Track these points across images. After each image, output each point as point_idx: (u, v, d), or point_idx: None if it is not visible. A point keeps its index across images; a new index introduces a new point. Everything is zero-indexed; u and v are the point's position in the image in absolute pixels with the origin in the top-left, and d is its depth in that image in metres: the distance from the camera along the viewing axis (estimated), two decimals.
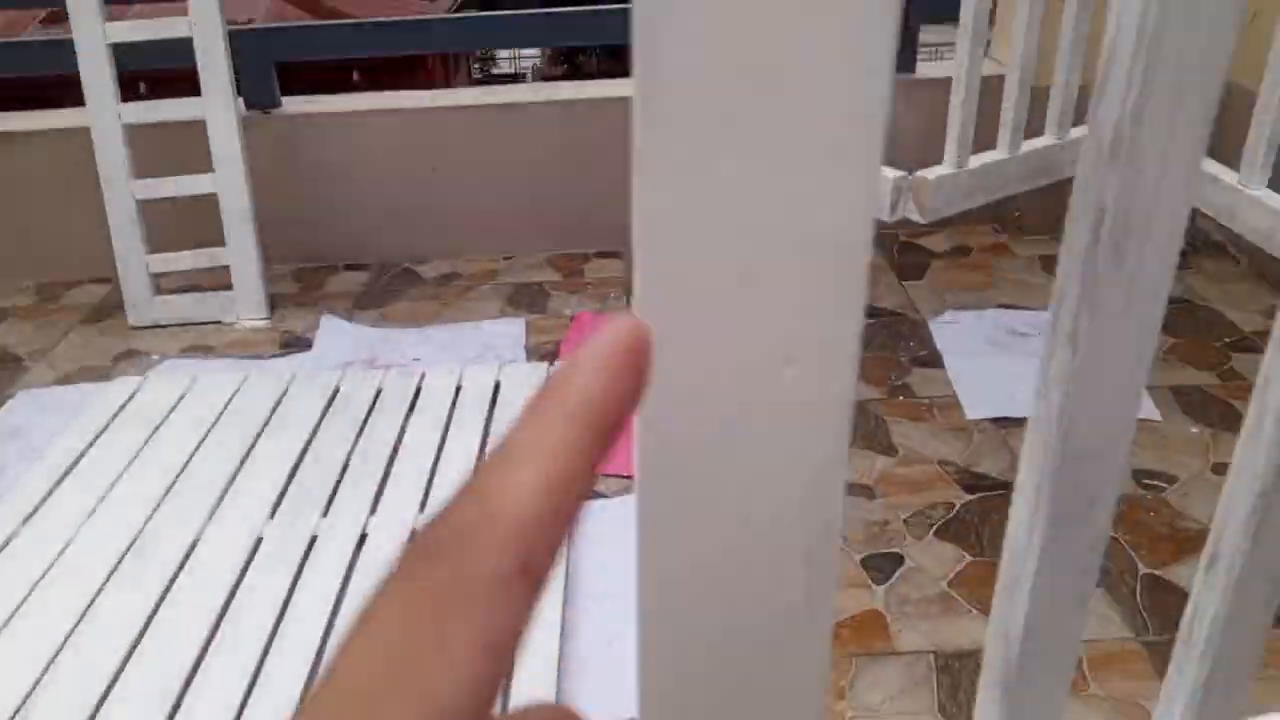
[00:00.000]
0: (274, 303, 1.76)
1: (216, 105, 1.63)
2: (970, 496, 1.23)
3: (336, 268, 1.92)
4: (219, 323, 1.72)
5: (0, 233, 1.88)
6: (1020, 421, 1.10)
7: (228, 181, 1.67)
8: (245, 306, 1.72)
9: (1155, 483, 1.25)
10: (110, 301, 1.80)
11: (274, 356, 1.61)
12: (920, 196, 1.14)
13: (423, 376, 1.47)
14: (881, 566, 1.13)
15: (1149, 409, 1.39)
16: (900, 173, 1.17)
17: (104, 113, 1.62)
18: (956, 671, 1.00)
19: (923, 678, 0.99)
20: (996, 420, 1.38)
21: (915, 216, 1.16)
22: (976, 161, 1.20)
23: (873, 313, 1.61)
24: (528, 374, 1.47)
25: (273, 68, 1.81)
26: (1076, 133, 1.29)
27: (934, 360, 1.54)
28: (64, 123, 1.80)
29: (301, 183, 1.87)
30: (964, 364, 1.53)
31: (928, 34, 2.01)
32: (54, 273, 1.90)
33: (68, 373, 1.59)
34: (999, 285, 1.75)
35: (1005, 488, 1.25)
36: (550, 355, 1.58)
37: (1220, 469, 1.27)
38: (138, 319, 1.72)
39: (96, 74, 1.60)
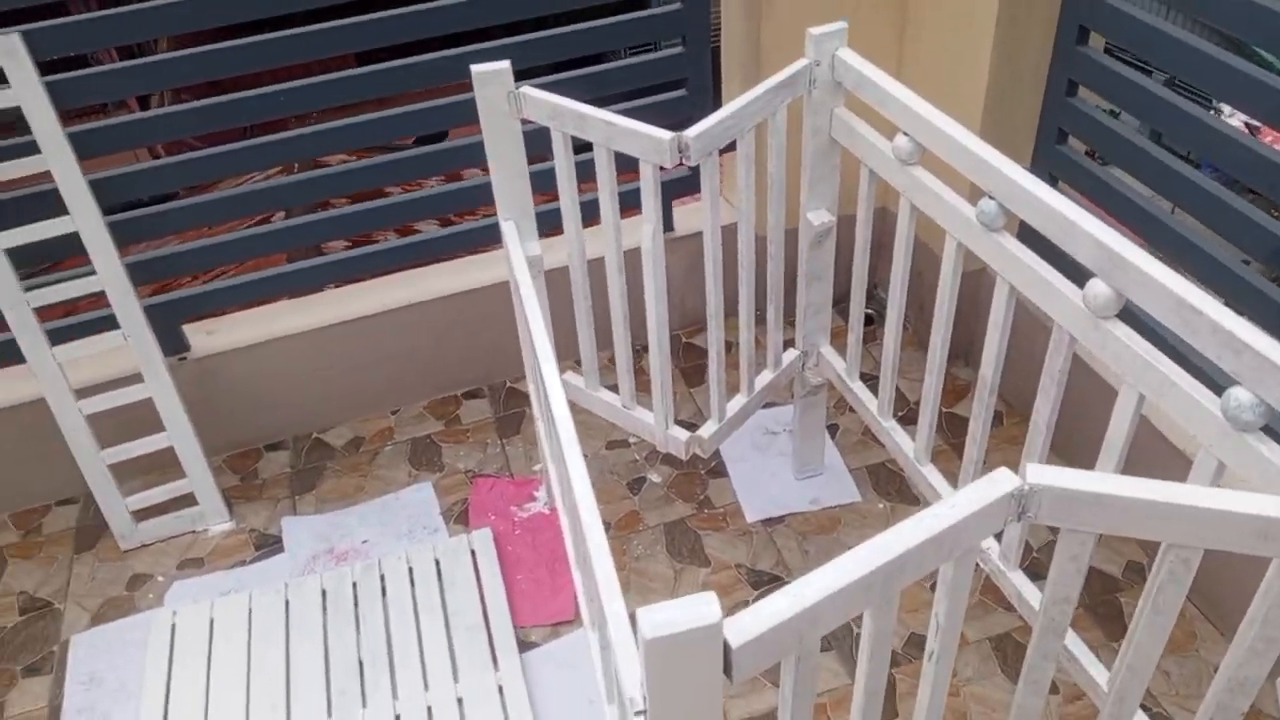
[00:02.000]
0: (228, 500, 2.28)
1: (149, 364, 2.07)
2: (756, 592, 2.02)
3: (260, 450, 2.43)
4: (193, 532, 2.23)
5: None
6: (781, 519, 1.91)
7: (176, 430, 2.14)
8: (210, 516, 2.24)
9: None
10: (88, 524, 2.26)
11: (256, 560, 2.16)
12: None
13: (380, 564, 2.09)
14: None
15: (851, 492, 2.22)
16: None
17: (62, 402, 2.03)
18: None
19: None
20: (766, 521, 2.16)
21: None
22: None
23: None
24: (455, 548, 2.11)
25: (179, 326, 2.24)
26: None
27: (722, 469, 2.30)
28: (14, 398, 2.18)
29: (217, 400, 2.34)
30: (739, 469, 2.29)
31: None
32: (22, 503, 2.31)
33: (98, 609, 2.08)
34: None
35: (776, 580, 2.04)
36: (462, 517, 2.21)
37: None
38: (127, 544, 2.20)
39: (51, 378, 2.01)
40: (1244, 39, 1.70)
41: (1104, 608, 1.93)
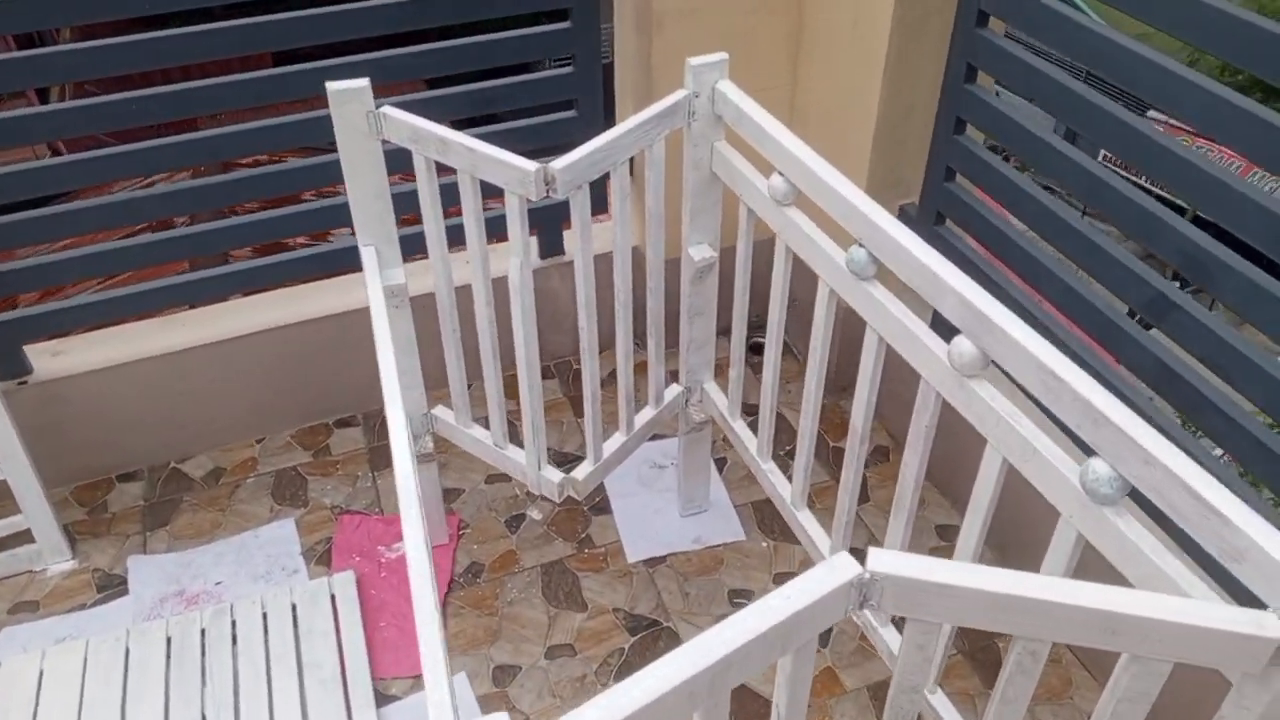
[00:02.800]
0: (71, 536, 2.10)
1: None
2: (633, 638, 1.94)
3: (111, 480, 2.26)
4: (30, 572, 2.06)
5: None
6: (663, 559, 1.83)
7: (8, 461, 1.97)
8: (49, 553, 2.06)
9: (743, 601, 2.02)
10: None
11: (97, 604, 2.00)
12: None
13: (232, 608, 1.94)
14: None
15: (735, 530, 2.15)
16: None
17: None
18: None
19: None
20: (648, 561, 2.09)
21: None
22: None
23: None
24: (314, 592, 1.98)
25: (20, 348, 2.06)
26: None
27: (607, 504, 2.21)
28: None
29: (64, 426, 2.17)
30: (623, 505, 2.21)
31: None
32: None
33: None
34: None
35: (654, 625, 1.97)
36: (325, 558, 2.08)
37: (780, 578, 2.05)
38: None
39: None
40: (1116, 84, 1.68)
41: (982, 654, 1.90)
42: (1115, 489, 1.01)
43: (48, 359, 2.16)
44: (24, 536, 2.04)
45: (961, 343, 1.18)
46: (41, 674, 1.83)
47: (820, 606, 0.83)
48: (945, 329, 1.25)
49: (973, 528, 1.23)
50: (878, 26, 1.96)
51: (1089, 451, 1.04)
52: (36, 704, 1.78)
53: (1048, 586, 0.83)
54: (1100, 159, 1.67)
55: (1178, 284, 1.58)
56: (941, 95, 1.97)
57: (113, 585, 2.03)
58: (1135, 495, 1.00)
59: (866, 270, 1.33)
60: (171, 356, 2.21)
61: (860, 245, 1.32)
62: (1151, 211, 1.52)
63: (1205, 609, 0.82)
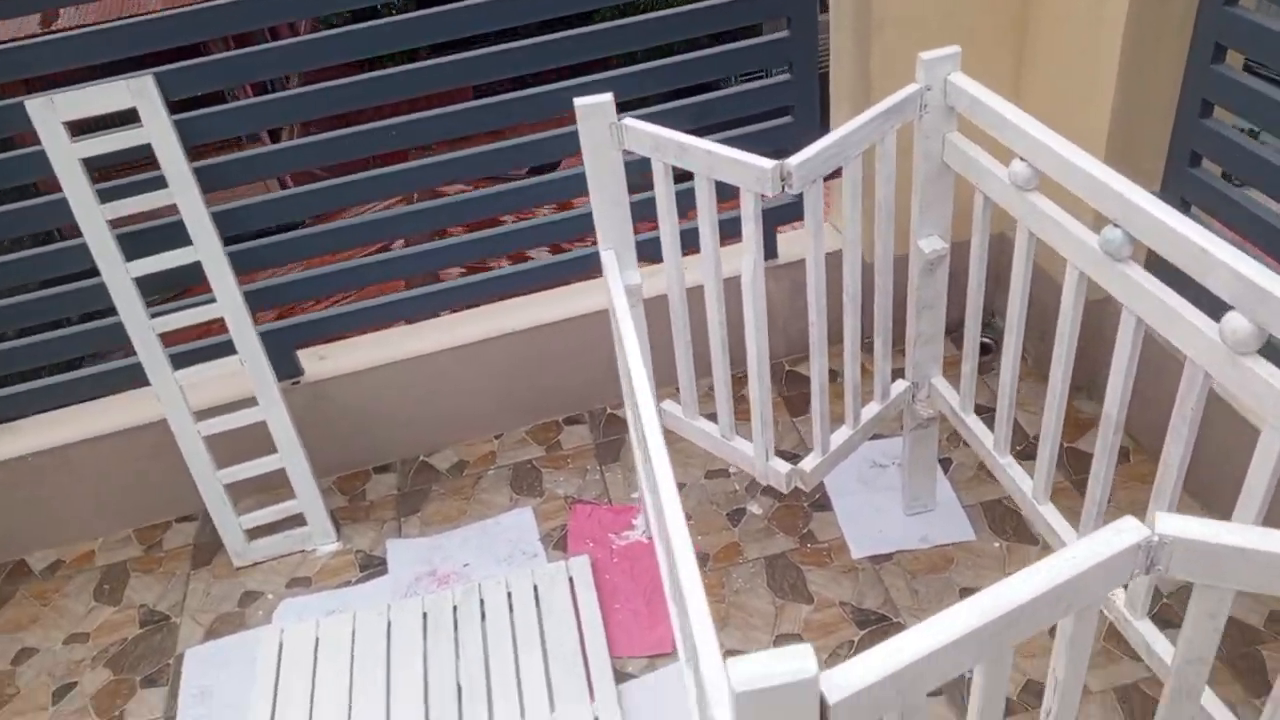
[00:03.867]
0: (335, 521, 2.33)
1: (264, 389, 2.14)
2: (862, 631, 1.95)
3: (369, 472, 2.49)
4: (302, 551, 2.29)
5: (87, 493, 2.38)
6: (890, 556, 1.84)
7: (287, 452, 2.21)
8: (318, 536, 2.29)
9: None
10: (205, 542, 2.35)
11: (361, 581, 2.20)
12: None
13: (480, 588, 2.10)
14: None
15: (964, 529, 2.12)
16: None
17: (183, 424, 2.12)
18: None
19: None
20: (873, 558, 2.09)
21: None
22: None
23: None
24: (553, 574, 2.10)
25: (293, 352, 2.32)
26: None
27: (826, 502, 2.23)
28: (136, 419, 2.29)
29: (328, 423, 2.40)
30: (844, 503, 2.22)
31: None
32: (144, 519, 2.42)
33: (211, 624, 2.15)
34: None
35: (883, 619, 1.96)
36: (561, 543, 2.21)
37: None
38: (240, 562, 2.27)
39: (172, 400, 2.10)
40: None
41: (1244, 661, 1.78)
42: None
43: (315, 362, 2.41)
44: (297, 520, 2.28)
45: (1234, 318, 1.13)
46: (317, 640, 2.04)
47: (1106, 568, 0.84)
48: (1209, 309, 1.21)
49: (1248, 513, 1.18)
50: (1112, 10, 1.90)
51: None
52: (315, 666, 1.98)
53: None
54: None
55: None
56: (1185, 77, 1.89)
57: (373, 565, 2.23)
58: None
59: (1123, 251, 1.30)
60: (420, 360, 2.41)
61: (1115, 225, 1.30)
62: None
63: None
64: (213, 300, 2.06)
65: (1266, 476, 1.14)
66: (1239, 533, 0.83)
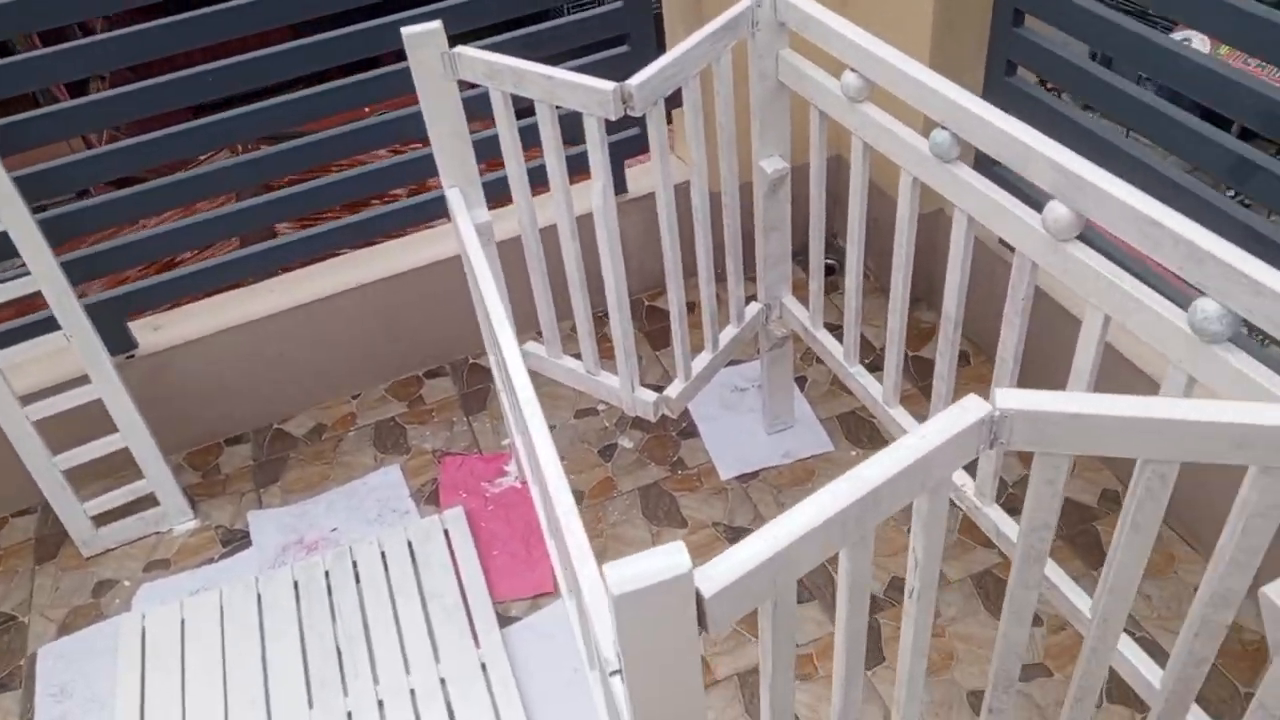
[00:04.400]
0: (190, 498, 2.22)
1: (95, 364, 2.00)
2: None
3: (220, 445, 2.37)
4: (157, 533, 2.17)
5: None
6: (755, 474, 1.90)
7: (129, 431, 2.08)
8: (173, 515, 2.18)
9: None
10: (47, 534, 2.19)
11: (224, 557, 2.11)
12: None
13: (351, 550, 2.04)
14: None
15: (823, 442, 2.20)
16: None
17: (7, 409, 1.96)
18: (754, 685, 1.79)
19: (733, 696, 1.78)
20: (740, 477, 2.14)
21: None
22: None
23: None
24: (427, 529, 2.07)
25: (125, 324, 2.17)
26: None
27: (693, 429, 2.27)
28: None
29: (171, 397, 2.27)
30: (710, 428, 2.27)
31: None
32: None
33: (64, 618, 2.02)
34: None
35: None
36: (432, 497, 2.17)
37: None
38: (89, 551, 2.14)
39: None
40: None
41: (1082, 537, 1.93)
42: (1226, 325, 1.03)
43: (149, 333, 2.27)
44: (148, 501, 2.15)
45: (1056, 207, 1.20)
46: (183, 623, 1.94)
47: (954, 444, 0.88)
48: (1033, 204, 1.28)
49: (1078, 389, 1.26)
50: None
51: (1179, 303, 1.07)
52: (183, 649, 1.89)
53: (1176, 406, 0.87)
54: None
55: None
56: None
57: (236, 539, 2.14)
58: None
59: (950, 152, 1.36)
60: (262, 322, 2.30)
61: (943, 127, 1.35)
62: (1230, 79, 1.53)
63: None
64: (26, 273, 1.89)
65: (1092, 351, 1.22)
66: (1070, 400, 0.88)
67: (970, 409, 0.89)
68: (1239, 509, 0.94)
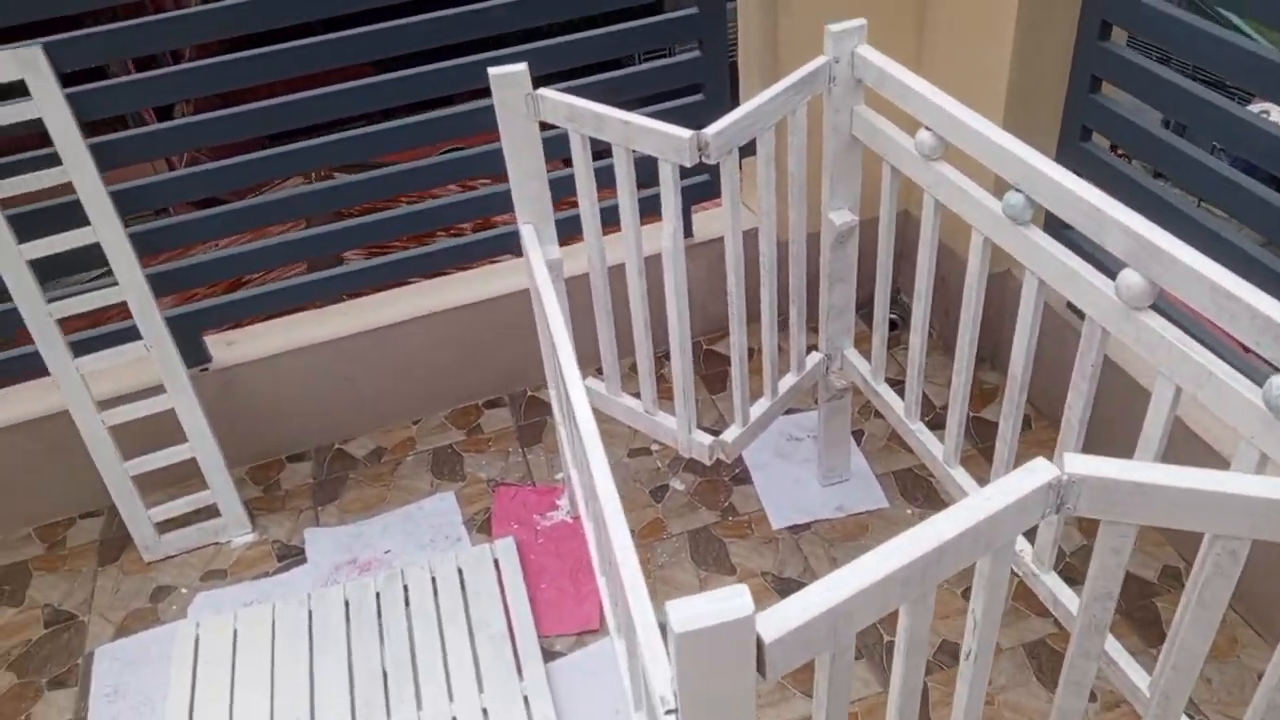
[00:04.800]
0: (250, 511, 2.27)
1: (171, 376, 2.07)
2: (783, 600, 1.99)
3: (282, 461, 2.43)
4: (216, 544, 2.23)
5: None
6: (808, 526, 1.88)
7: (198, 442, 2.14)
8: (233, 527, 2.23)
9: None
10: (111, 537, 2.26)
11: (279, 571, 2.15)
12: None
13: (403, 574, 2.07)
14: None
15: (878, 498, 2.18)
16: None
17: (85, 414, 2.04)
18: None
19: None
20: (792, 528, 2.13)
21: None
22: None
23: None
24: (478, 557, 2.09)
25: (200, 338, 2.25)
26: None
27: (746, 476, 2.27)
28: (38, 410, 2.19)
29: (239, 411, 2.34)
30: (763, 476, 2.26)
31: None
32: (46, 516, 2.32)
33: (122, 621, 2.07)
34: None
35: (804, 587, 2.01)
36: (485, 526, 2.20)
37: None
38: (151, 556, 2.20)
39: (74, 390, 2.01)
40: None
41: (1140, 613, 1.89)
42: None
43: (223, 348, 2.34)
44: (210, 511, 2.21)
45: (1129, 275, 1.20)
46: (235, 633, 1.98)
47: (1020, 506, 0.88)
48: (1106, 271, 1.27)
49: (1146, 457, 1.25)
50: None
51: (1254, 378, 1.06)
52: (234, 659, 1.93)
53: (1246, 481, 0.86)
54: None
55: None
56: (1074, 54, 1.97)
57: (291, 555, 2.19)
58: None
59: (1024, 214, 1.36)
60: (332, 344, 2.36)
61: (1017, 190, 1.35)
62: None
63: None
64: (114, 284, 1.98)
65: (1162, 421, 1.21)
66: (1139, 470, 0.88)
67: (1037, 471, 0.89)
68: None
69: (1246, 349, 1.30)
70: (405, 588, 2.04)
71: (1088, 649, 1.03)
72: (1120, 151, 2.17)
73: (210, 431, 2.14)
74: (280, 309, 2.38)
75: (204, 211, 2.20)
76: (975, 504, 0.86)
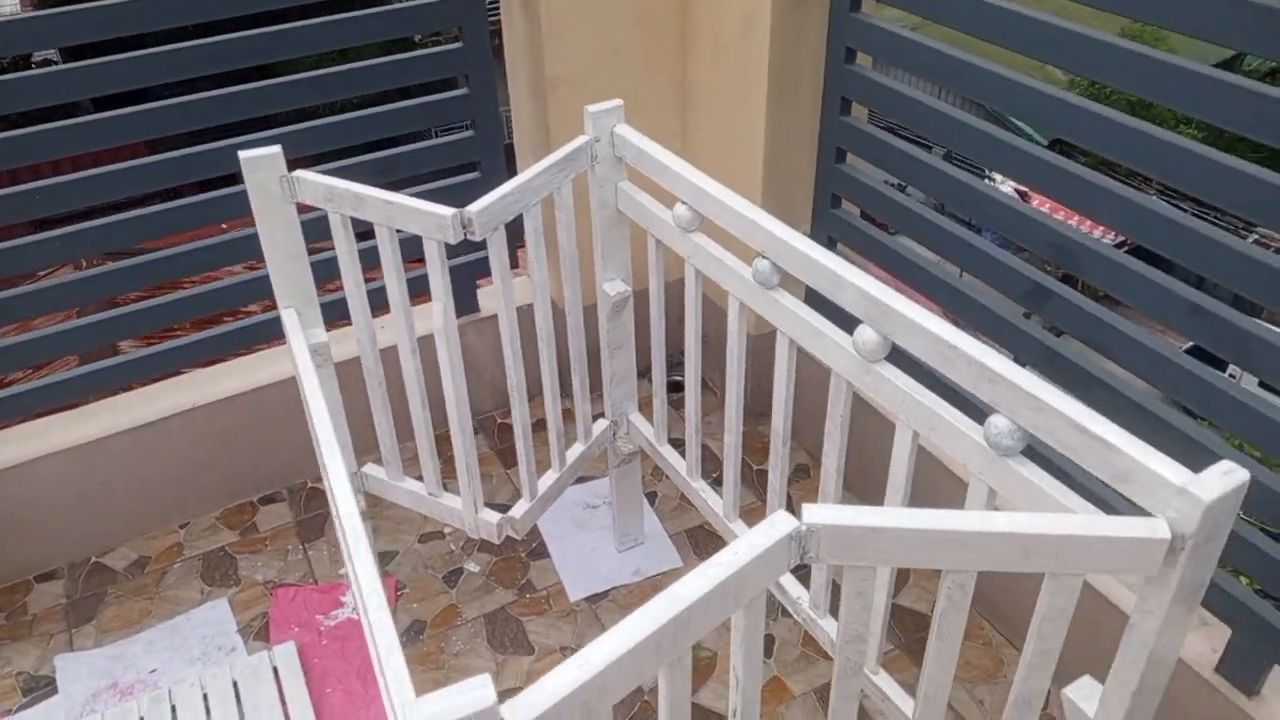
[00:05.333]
0: None
1: None
2: None
3: (29, 581, 2.18)
4: None
5: None
6: (605, 594, 1.86)
7: None
8: None
9: None
10: None
11: (23, 708, 1.92)
12: None
13: (170, 693, 1.89)
14: None
15: (673, 559, 2.21)
16: None
17: None
18: None
19: None
20: (590, 598, 2.12)
21: None
22: None
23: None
24: (255, 667, 1.94)
25: None
26: None
27: (544, 549, 2.24)
28: None
29: None
30: (560, 547, 2.24)
31: None
32: None
33: None
34: None
35: None
36: (262, 633, 2.05)
37: None
38: None
39: None
40: (996, 110, 1.87)
41: (918, 644, 1.98)
42: (1016, 439, 1.11)
43: None
44: None
45: (864, 331, 1.28)
46: None
47: (765, 559, 0.90)
48: (846, 325, 1.36)
49: (895, 499, 1.32)
50: (755, 76, 2.11)
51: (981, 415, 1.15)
52: None
53: (968, 519, 0.92)
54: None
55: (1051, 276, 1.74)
56: (821, 127, 2.13)
57: (40, 687, 1.96)
58: (1033, 456, 1.12)
59: (771, 279, 1.43)
60: (84, 448, 2.17)
61: (763, 256, 1.43)
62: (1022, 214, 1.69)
63: (1105, 522, 0.92)
64: None
65: (904, 466, 1.28)
66: (871, 514, 0.93)
67: (779, 524, 0.91)
68: (1035, 615, 0.99)
69: None
70: (173, 709, 1.87)
71: (847, 690, 1.06)
72: (868, 218, 2.34)
73: None
74: (17, 415, 2.17)
75: None
76: (722, 560, 0.88)
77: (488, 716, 0.72)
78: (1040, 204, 7.42)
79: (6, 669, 1.99)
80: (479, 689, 0.72)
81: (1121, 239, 5.94)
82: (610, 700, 0.83)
